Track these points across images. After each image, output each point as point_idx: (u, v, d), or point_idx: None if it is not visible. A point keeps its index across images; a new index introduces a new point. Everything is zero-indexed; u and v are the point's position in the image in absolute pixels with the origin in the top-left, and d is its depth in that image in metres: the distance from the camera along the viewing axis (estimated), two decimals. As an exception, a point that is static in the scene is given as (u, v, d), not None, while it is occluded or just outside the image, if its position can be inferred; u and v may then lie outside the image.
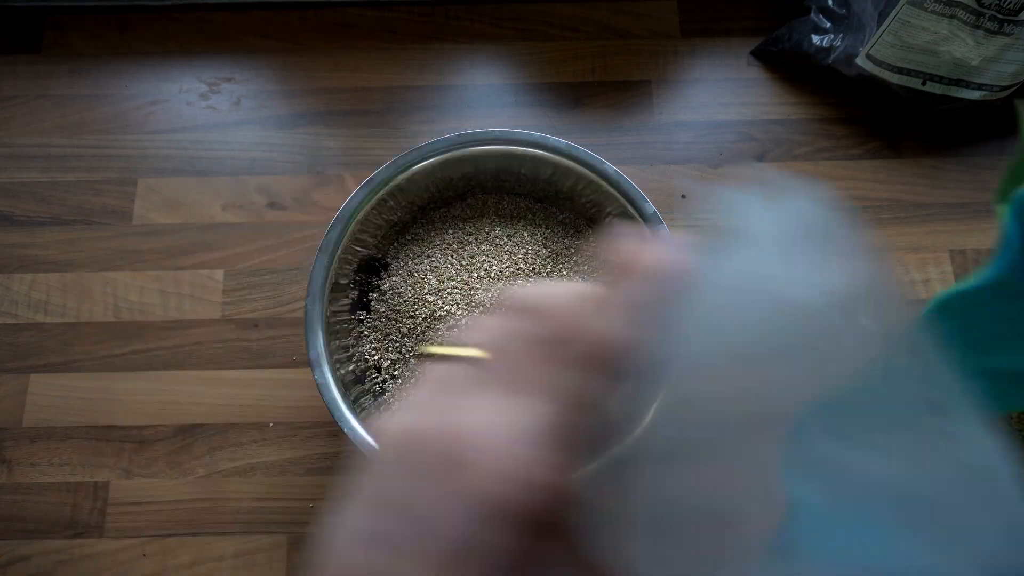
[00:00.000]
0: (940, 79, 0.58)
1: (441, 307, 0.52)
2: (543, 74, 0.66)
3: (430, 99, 0.65)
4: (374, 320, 0.54)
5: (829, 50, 0.61)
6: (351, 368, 0.51)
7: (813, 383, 0.18)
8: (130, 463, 0.56)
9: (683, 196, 0.62)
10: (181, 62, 0.66)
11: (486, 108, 0.65)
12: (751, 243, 0.20)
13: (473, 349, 0.18)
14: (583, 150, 0.50)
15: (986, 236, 0.61)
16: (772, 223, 0.20)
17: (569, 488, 0.17)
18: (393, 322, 0.53)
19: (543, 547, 0.17)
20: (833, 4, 0.61)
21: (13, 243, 0.61)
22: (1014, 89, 0.59)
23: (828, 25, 0.62)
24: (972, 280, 0.29)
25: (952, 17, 0.54)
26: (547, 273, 0.54)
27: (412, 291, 0.53)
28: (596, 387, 0.17)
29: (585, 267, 0.55)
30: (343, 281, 0.51)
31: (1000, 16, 0.53)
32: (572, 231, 0.56)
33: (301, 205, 0.62)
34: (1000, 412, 0.41)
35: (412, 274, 0.54)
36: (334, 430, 0.56)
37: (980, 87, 0.58)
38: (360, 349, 0.53)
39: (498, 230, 0.55)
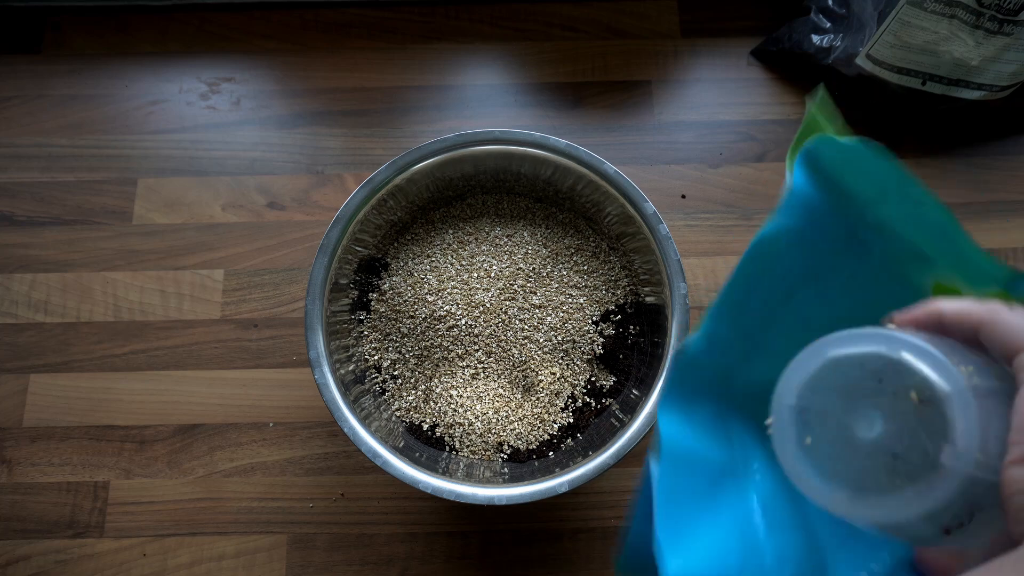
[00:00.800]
0: (940, 79, 0.58)
1: (441, 307, 0.52)
2: (543, 74, 0.66)
3: (430, 99, 0.65)
4: (374, 320, 0.54)
5: (829, 50, 0.61)
6: (351, 368, 0.51)
7: None
8: (130, 463, 0.56)
9: (683, 196, 0.62)
10: (181, 62, 0.66)
11: (486, 108, 0.65)
12: None
13: None
14: (583, 150, 0.50)
15: (986, 236, 0.61)
16: None
17: None
18: (393, 322, 0.53)
19: None
20: (833, 4, 0.61)
21: (13, 243, 0.61)
22: (1014, 89, 0.59)
23: (828, 25, 0.62)
24: (765, 227, 0.30)
25: (952, 17, 0.54)
26: (547, 273, 0.54)
27: (412, 291, 0.53)
28: None
29: (585, 267, 0.55)
30: (343, 281, 0.51)
31: (1000, 16, 0.53)
32: (572, 231, 0.56)
33: (301, 205, 0.62)
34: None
35: (412, 274, 0.54)
36: (334, 430, 0.56)
37: (980, 87, 0.58)
38: (360, 349, 0.53)
39: (498, 230, 0.55)
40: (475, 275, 0.54)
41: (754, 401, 0.34)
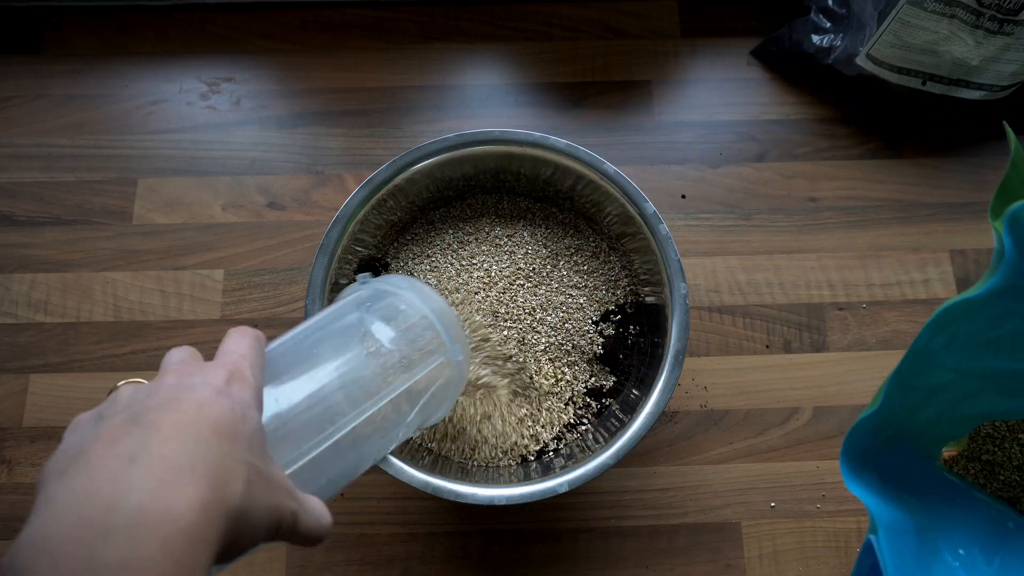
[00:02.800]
0: (940, 79, 0.58)
1: (441, 307, 0.52)
2: (543, 74, 0.66)
3: (430, 99, 0.65)
4: (374, 320, 0.54)
5: (829, 50, 0.61)
6: (351, 368, 0.51)
7: None
8: (130, 463, 0.56)
9: (683, 196, 0.62)
10: (181, 62, 0.66)
11: (486, 108, 0.65)
12: None
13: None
14: (583, 150, 0.50)
15: (986, 236, 0.61)
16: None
17: None
18: (393, 322, 0.53)
19: None
20: (833, 4, 0.61)
21: (13, 243, 0.61)
22: (1014, 89, 0.59)
23: (828, 25, 0.62)
24: (974, 290, 0.32)
25: (952, 17, 0.54)
26: (547, 273, 0.54)
27: (412, 291, 0.53)
28: None
29: (585, 267, 0.55)
30: (343, 281, 0.51)
31: (1000, 16, 0.53)
32: (572, 231, 0.56)
33: (301, 205, 0.62)
34: (993, 417, 0.43)
35: (412, 274, 0.54)
36: (334, 430, 0.56)
37: (980, 87, 0.58)
38: (360, 349, 0.53)
39: (498, 230, 0.55)
40: (475, 275, 0.53)
41: (920, 443, 0.42)
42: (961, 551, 0.39)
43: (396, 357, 0.37)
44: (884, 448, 0.40)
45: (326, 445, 0.32)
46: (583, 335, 0.53)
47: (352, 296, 0.41)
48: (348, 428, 0.33)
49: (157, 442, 0.23)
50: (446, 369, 0.40)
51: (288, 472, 0.30)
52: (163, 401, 0.24)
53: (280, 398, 0.31)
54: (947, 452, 0.52)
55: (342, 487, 0.36)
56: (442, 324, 0.39)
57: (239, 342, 0.30)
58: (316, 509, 0.28)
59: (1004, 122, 0.37)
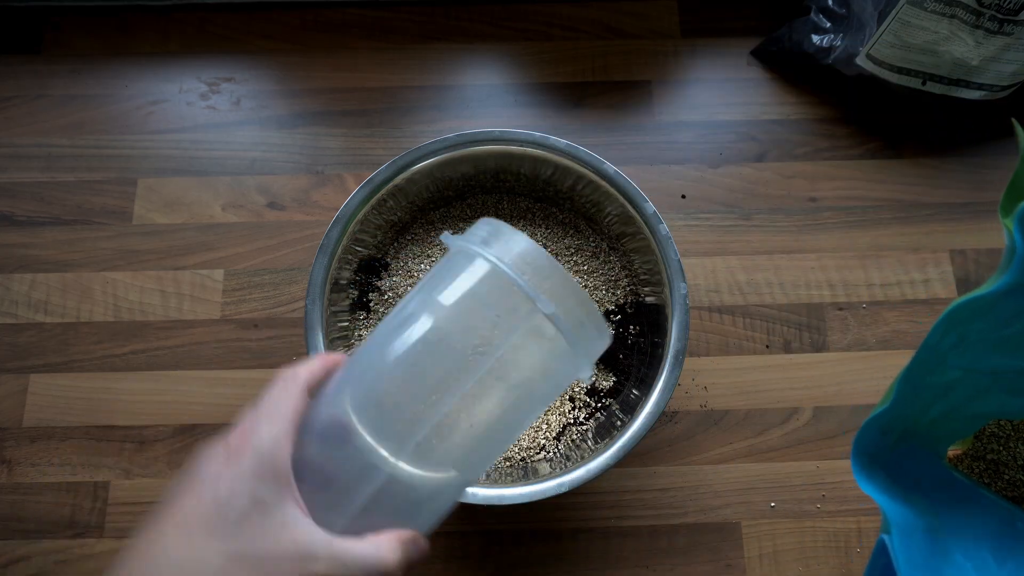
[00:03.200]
0: (940, 79, 0.58)
1: (441, 307, 0.52)
2: (543, 74, 0.66)
3: (430, 99, 0.65)
4: (374, 320, 0.54)
5: (829, 50, 0.61)
6: (351, 368, 0.51)
7: None
8: (130, 463, 0.56)
9: (683, 196, 0.62)
10: (181, 62, 0.66)
11: (486, 108, 0.65)
12: None
13: None
14: (583, 150, 0.50)
15: (986, 236, 0.61)
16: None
17: None
18: (393, 322, 0.53)
19: None
20: (833, 4, 0.61)
21: (13, 243, 0.61)
22: (1014, 89, 0.59)
23: (828, 25, 0.62)
24: (985, 288, 0.32)
25: (952, 17, 0.54)
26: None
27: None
28: None
29: (585, 267, 0.55)
30: (343, 281, 0.51)
31: (1000, 16, 0.53)
32: (572, 231, 0.56)
33: (301, 205, 0.62)
34: (1002, 416, 0.43)
35: (412, 274, 0.54)
36: (334, 430, 0.56)
37: (980, 87, 0.58)
38: (360, 349, 0.53)
39: (498, 230, 0.55)
40: (475, 275, 0.53)
41: (929, 442, 0.42)
42: (972, 552, 0.39)
43: (470, 341, 0.29)
44: (894, 448, 0.40)
45: (384, 479, 0.27)
46: (583, 335, 0.53)
47: (426, 278, 0.33)
48: (417, 439, 0.28)
49: (128, 560, 0.24)
50: (543, 329, 0.30)
51: (347, 519, 0.27)
52: (166, 501, 0.26)
53: (325, 431, 0.27)
54: (951, 451, 0.52)
55: (444, 511, 0.30)
56: (519, 274, 0.29)
57: (268, 395, 0.28)
58: (364, 557, 0.26)
59: (1013, 120, 0.37)
